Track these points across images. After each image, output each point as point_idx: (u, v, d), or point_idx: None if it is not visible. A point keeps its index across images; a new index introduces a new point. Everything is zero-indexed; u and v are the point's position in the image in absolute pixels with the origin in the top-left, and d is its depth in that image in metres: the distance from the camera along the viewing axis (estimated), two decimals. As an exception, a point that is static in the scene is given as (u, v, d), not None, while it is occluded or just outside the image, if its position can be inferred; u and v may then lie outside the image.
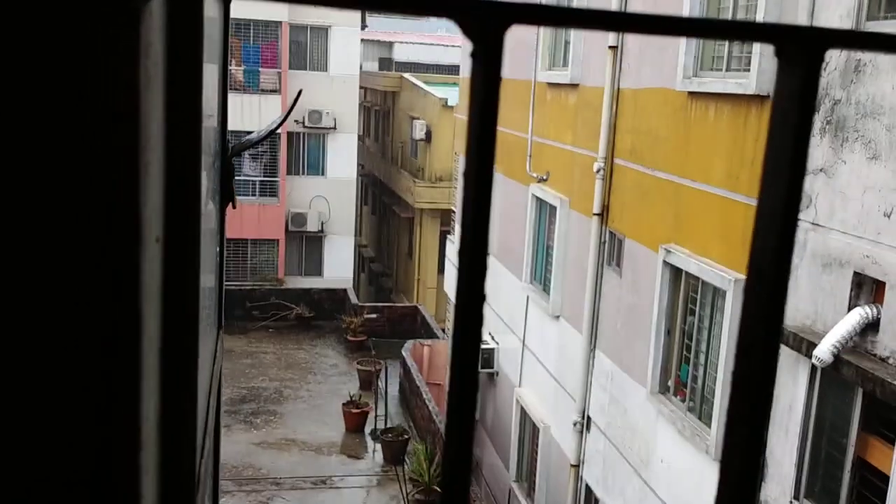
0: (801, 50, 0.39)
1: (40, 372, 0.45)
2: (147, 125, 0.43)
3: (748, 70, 7.51)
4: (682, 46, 8.47)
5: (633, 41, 9.87)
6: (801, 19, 6.68)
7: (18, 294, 0.42)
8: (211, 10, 1.28)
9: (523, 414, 13.05)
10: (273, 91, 25.27)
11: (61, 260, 0.42)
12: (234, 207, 1.67)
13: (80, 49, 0.39)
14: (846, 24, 6.25)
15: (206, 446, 1.16)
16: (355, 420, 17.42)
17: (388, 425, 16.99)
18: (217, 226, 1.52)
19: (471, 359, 0.43)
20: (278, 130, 25.15)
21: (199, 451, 1.07)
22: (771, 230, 0.43)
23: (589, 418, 10.77)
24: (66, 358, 0.43)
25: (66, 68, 0.39)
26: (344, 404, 17.66)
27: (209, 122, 1.34)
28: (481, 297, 0.39)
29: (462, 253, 0.37)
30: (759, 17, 7.21)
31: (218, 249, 1.61)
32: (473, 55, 0.38)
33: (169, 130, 0.57)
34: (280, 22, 25.04)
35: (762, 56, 7.20)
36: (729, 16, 8.01)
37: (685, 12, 8.43)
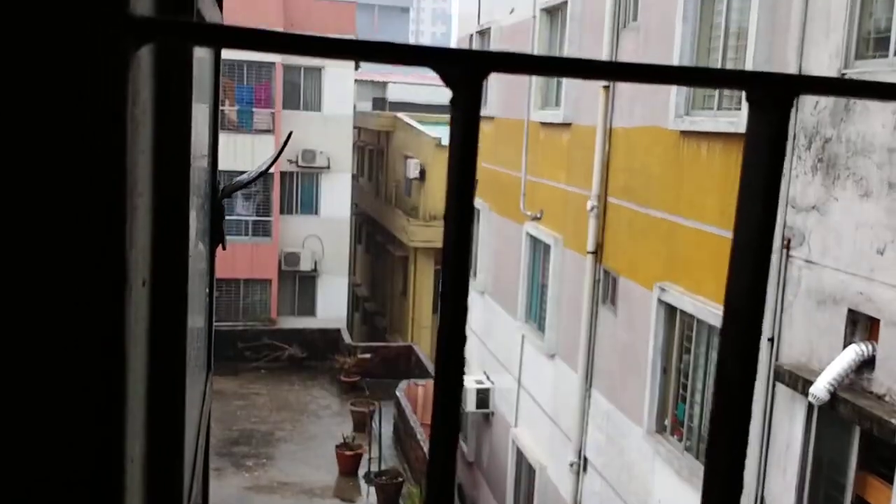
0: (771, 96, 0.39)
1: (21, 412, 0.44)
2: (134, 170, 0.43)
3: (739, 109, 7.61)
4: (674, 86, 8.58)
5: (625, 83, 9.99)
6: (791, 58, 6.78)
7: None
8: (201, 50, 1.30)
9: (519, 454, 12.93)
10: (266, 131, 25.43)
11: (47, 303, 0.42)
12: (223, 248, 1.67)
13: (69, 95, 0.39)
14: (835, 63, 6.34)
15: (193, 489, 1.14)
16: (349, 462, 17.21)
17: (383, 468, 16.79)
18: (207, 266, 1.52)
19: (454, 396, 0.43)
20: (271, 170, 25.27)
21: (187, 494, 1.06)
22: (745, 269, 0.44)
23: (586, 459, 10.67)
24: (47, 401, 0.43)
25: (55, 114, 0.39)
26: (337, 446, 17.46)
27: (199, 162, 1.34)
28: (462, 339, 0.39)
29: (444, 297, 0.38)
30: (749, 56, 7.32)
31: (208, 290, 1.61)
32: (452, 102, 0.39)
33: (157, 174, 0.58)
34: (274, 63, 25.31)
35: (751, 96, 7.29)
36: (719, 55, 8.13)
37: (675, 52, 8.56)
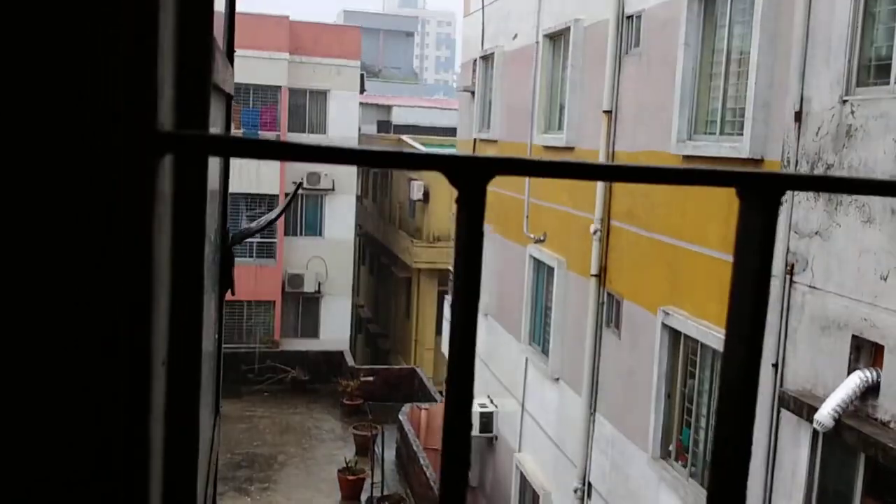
0: (759, 194, 0.42)
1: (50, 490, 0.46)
2: (158, 263, 0.46)
3: (741, 134, 7.64)
4: (677, 109, 8.63)
5: (627, 105, 10.06)
6: (792, 85, 6.82)
7: (32, 416, 0.44)
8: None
9: (523, 480, 12.86)
10: (272, 154, 25.51)
11: (82, 390, 0.44)
12: (233, 294, 1.69)
13: (102, 204, 0.42)
14: (836, 90, 6.38)
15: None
16: (351, 487, 17.11)
17: (385, 493, 16.69)
18: (217, 315, 1.54)
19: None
20: (276, 192, 25.36)
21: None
22: (737, 363, 0.45)
23: (590, 484, 10.61)
24: (73, 481, 0.45)
25: (92, 221, 0.43)
26: (339, 471, 17.37)
27: (212, 215, 1.37)
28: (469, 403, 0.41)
29: (449, 382, 0.40)
30: (751, 83, 7.37)
31: (216, 336, 1.63)
32: (458, 202, 0.41)
33: (175, 260, 0.60)
34: (280, 87, 25.48)
35: (754, 121, 7.34)
36: (721, 81, 8.18)
37: (678, 78, 8.61)
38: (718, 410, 0.47)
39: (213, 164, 1.40)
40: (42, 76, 0.41)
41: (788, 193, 7.01)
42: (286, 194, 25.90)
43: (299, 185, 3.26)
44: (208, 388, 1.45)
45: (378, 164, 0.41)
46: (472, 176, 0.39)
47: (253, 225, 2.41)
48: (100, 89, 0.42)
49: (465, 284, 0.40)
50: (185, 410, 0.68)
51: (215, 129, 1.41)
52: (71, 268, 0.43)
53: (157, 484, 0.50)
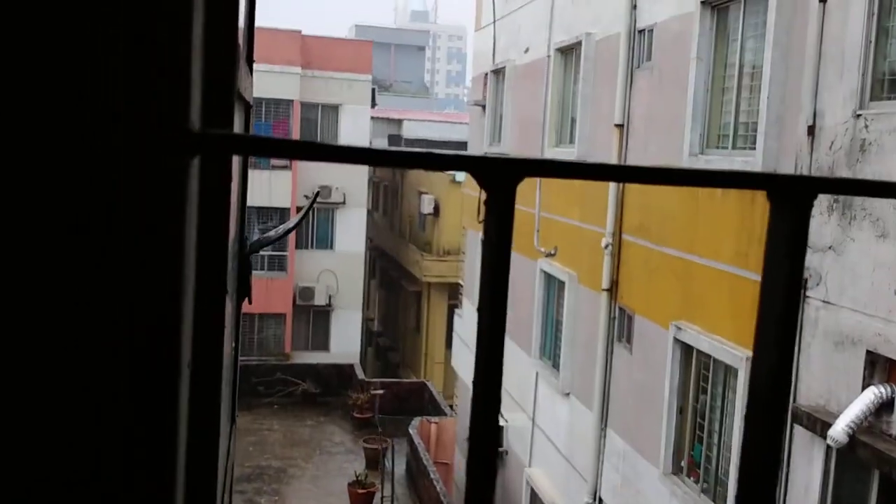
0: (790, 197, 0.41)
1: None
2: (187, 263, 0.47)
3: (754, 148, 7.62)
4: (689, 124, 8.62)
5: (638, 119, 10.05)
6: (805, 100, 6.80)
7: (55, 412, 0.45)
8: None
9: (534, 495, 12.78)
10: (283, 167, 25.67)
11: (112, 389, 0.45)
12: (250, 303, 1.70)
13: (136, 197, 0.43)
14: (850, 104, 6.36)
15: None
16: (361, 500, 17.05)
17: (395, 505, 16.62)
18: (234, 322, 1.54)
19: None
20: (287, 205, 25.46)
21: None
22: (770, 355, 0.45)
23: (601, 500, 10.53)
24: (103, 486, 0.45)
25: (128, 220, 0.44)
26: (349, 484, 17.32)
27: (231, 225, 1.38)
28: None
29: (475, 398, 0.40)
30: (764, 97, 7.35)
31: (234, 344, 1.63)
32: (486, 203, 0.41)
33: (199, 262, 0.60)
34: (292, 101, 25.62)
35: (767, 135, 7.32)
36: (733, 95, 8.17)
37: (690, 91, 8.61)
38: (747, 417, 0.47)
39: (234, 172, 1.41)
40: (81, 77, 0.43)
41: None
42: (298, 208, 26.00)
43: (317, 195, 3.28)
44: (226, 396, 1.45)
45: (405, 164, 0.41)
46: (502, 177, 0.39)
47: (272, 233, 2.42)
48: (135, 88, 0.43)
49: (493, 288, 0.40)
50: (208, 414, 0.68)
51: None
52: (103, 268, 0.43)
53: (180, 488, 0.50)
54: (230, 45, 0.74)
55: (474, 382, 0.41)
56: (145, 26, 0.43)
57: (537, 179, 13.14)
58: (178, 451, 0.48)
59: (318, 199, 26.23)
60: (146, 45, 0.43)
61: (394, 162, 0.41)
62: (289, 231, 2.77)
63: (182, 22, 0.45)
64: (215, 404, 0.73)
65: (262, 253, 26.09)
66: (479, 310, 0.43)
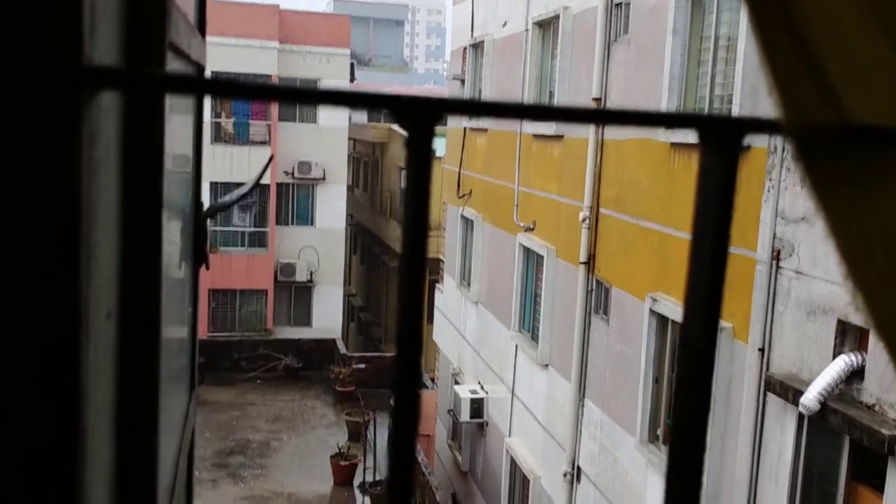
0: (720, 136, 0.42)
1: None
2: (92, 208, 0.45)
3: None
4: (665, 96, 8.64)
5: (616, 92, 10.05)
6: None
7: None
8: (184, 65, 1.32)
9: (513, 464, 12.92)
10: (262, 143, 25.48)
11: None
12: (206, 269, 1.69)
13: (25, 142, 0.41)
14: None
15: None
16: (344, 472, 17.18)
17: (378, 477, 16.76)
18: (190, 286, 1.53)
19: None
20: (268, 182, 25.29)
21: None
22: (699, 301, 0.45)
23: (579, 468, 10.67)
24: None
25: (10, 159, 0.41)
26: (332, 456, 17.44)
27: (182, 185, 1.36)
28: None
29: (399, 338, 0.40)
30: (739, 68, 7.37)
31: (191, 309, 1.62)
32: (407, 144, 0.41)
33: (125, 210, 0.59)
34: (270, 75, 25.36)
35: (742, 106, 7.35)
36: (709, 67, 8.19)
37: (666, 64, 8.61)
38: (679, 373, 0.47)
39: (185, 129, 1.39)
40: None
41: (775, 180, 7.04)
42: (277, 184, 25.85)
43: (271, 158, 3.25)
44: (183, 362, 1.44)
45: (324, 101, 0.41)
46: (419, 115, 0.39)
47: (226, 198, 2.41)
48: (15, 15, 0.41)
49: (413, 225, 0.40)
50: (142, 367, 0.68)
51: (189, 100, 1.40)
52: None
53: (102, 447, 0.49)
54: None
55: (397, 324, 0.42)
56: None
57: (516, 155, 13.13)
58: (95, 392, 0.48)
59: (299, 175, 26.06)
60: None
61: (312, 100, 0.40)
62: (244, 195, 2.75)
63: None
64: (152, 355, 0.72)
65: (242, 229, 25.94)
66: (401, 245, 0.43)
